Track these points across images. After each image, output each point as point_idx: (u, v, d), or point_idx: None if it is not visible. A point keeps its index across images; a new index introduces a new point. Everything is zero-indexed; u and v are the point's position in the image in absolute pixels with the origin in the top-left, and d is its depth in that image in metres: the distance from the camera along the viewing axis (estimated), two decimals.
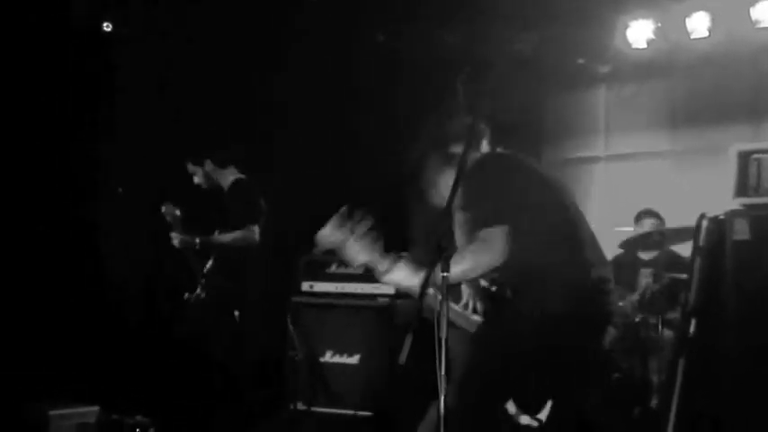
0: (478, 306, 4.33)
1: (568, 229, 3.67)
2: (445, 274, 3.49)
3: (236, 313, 5.61)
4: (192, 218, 5.71)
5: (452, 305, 3.89)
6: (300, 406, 6.11)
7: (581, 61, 7.17)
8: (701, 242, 3.97)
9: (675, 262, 5.67)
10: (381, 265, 3.72)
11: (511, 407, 3.87)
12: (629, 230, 6.27)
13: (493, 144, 5.03)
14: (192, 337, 5.54)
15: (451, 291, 4.01)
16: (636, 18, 6.50)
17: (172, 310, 5.84)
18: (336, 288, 6.28)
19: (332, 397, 6.02)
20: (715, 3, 6.19)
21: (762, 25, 6.01)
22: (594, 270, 3.60)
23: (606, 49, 6.85)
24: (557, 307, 3.50)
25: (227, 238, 5.61)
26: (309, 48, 6.71)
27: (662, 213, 6.26)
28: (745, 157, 4.77)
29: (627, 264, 5.93)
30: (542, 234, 3.58)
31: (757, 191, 4.58)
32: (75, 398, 5.58)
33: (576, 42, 6.89)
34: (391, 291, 6.08)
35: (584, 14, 6.44)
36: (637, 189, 7.14)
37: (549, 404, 5.45)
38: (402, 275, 3.74)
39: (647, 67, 6.95)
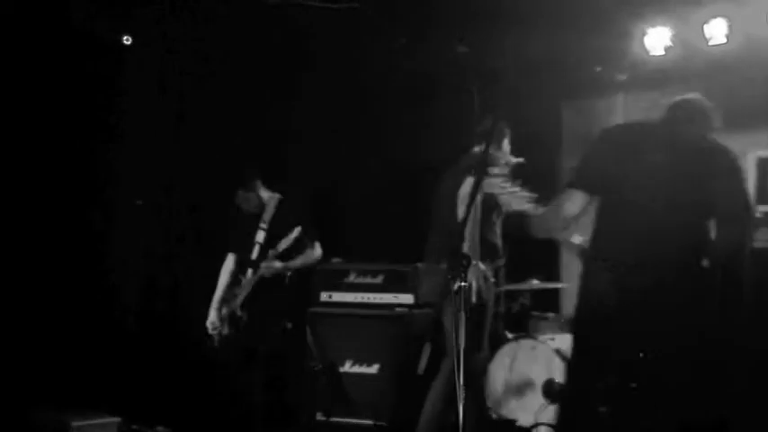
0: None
1: None
2: (463, 284, 3.49)
3: (289, 325, 5.54)
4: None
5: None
6: (319, 416, 6.12)
7: (598, 69, 7.14)
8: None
9: None
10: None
11: None
12: None
13: (513, 144, 5.05)
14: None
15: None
16: (653, 25, 6.47)
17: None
18: (355, 298, 6.29)
19: (351, 407, 6.03)
20: (733, 10, 6.15)
21: None
22: None
23: (624, 56, 6.82)
24: None
25: (299, 261, 5.44)
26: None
27: None
28: (764, 164, 4.76)
29: None
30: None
31: None
32: (97, 409, 5.61)
33: (594, 50, 6.86)
34: (410, 300, 6.09)
35: (601, 22, 6.42)
36: None
37: None
38: None
39: (665, 75, 6.91)
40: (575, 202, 3.74)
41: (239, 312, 5.32)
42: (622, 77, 7.24)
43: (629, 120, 6.39)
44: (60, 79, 6.18)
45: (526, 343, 5.84)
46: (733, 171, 3.64)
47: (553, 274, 7.23)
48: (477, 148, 4.96)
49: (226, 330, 5.34)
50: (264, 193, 5.53)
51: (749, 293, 3.71)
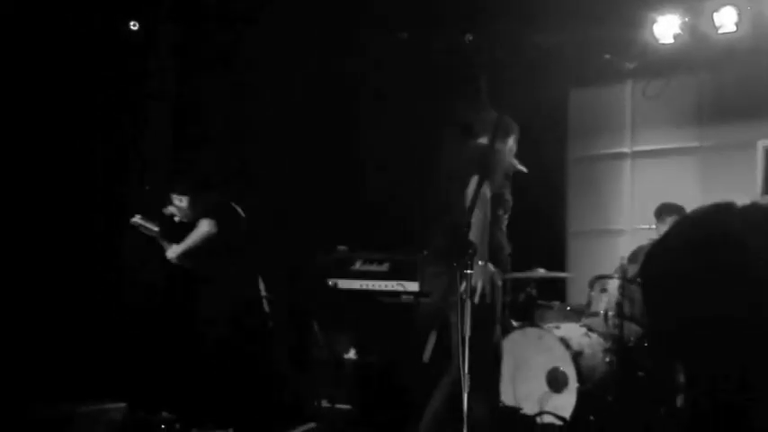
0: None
1: None
2: (469, 271, 3.48)
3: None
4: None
5: None
6: (324, 403, 6.12)
7: (607, 57, 7.11)
8: None
9: None
10: None
11: None
12: (649, 228, 6.26)
13: (520, 141, 5.01)
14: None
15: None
16: (663, 13, 6.43)
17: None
18: (360, 286, 6.28)
19: (355, 394, 6.03)
20: None
21: None
22: None
23: (633, 44, 6.78)
24: None
25: (188, 240, 5.71)
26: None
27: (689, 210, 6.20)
28: None
29: None
30: None
31: None
32: (102, 395, 5.62)
33: (603, 38, 6.83)
34: (415, 288, 6.08)
35: (610, 10, 6.38)
36: (663, 185, 7.08)
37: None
38: None
39: (674, 63, 6.87)
40: None
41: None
42: (631, 65, 7.20)
43: None
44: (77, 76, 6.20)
45: (532, 331, 5.83)
46: None
47: (559, 264, 7.23)
48: (480, 140, 4.89)
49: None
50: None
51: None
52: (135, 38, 6.57)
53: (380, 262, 6.28)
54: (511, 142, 4.86)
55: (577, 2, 6.21)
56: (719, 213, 2.81)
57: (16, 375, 5.55)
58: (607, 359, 5.74)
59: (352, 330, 6.18)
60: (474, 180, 4.43)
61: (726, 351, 3.04)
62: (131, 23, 6.47)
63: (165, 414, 5.57)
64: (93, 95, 6.34)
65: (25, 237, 5.97)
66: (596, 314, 5.93)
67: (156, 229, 5.78)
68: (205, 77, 6.81)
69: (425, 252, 5.18)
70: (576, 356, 5.60)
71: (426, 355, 3.48)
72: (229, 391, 5.56)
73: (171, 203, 5.84)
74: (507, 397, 5.71)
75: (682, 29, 6.41)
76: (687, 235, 3.02)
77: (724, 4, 6.16)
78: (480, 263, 4.08)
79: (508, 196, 4.71)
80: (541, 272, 6.10)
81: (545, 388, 5.63)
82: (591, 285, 6.10)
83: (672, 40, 6.45)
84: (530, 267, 6.07)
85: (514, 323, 6.01)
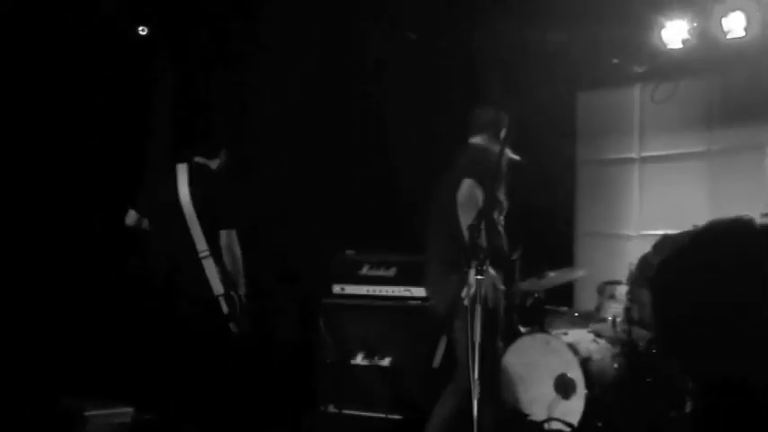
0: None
1: None
2: (480, 277, 3.46)
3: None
4: None
5: None
6: (331, 408, 6.11)
7: (615, 61, 7.09)
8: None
9: None
10: None
11: None
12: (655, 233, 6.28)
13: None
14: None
15: None
16: (671, 18, 6.42)
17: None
18: (368, 290, 6.27)
19: (362, 400, 6.02)
20: (751, 2, 6.09)
21: None
22: None
23: (641, 48, 6.77)
24: None
25: None
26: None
27: (697, 216, 6.17)
28: None
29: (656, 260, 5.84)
30: None
31: None
32: (111, 398, 5.62)
33: (611, 42, 6.82)
34: (422, 294, 6.06)
35: (619, 14, 6.37)
36: (672, 190, 7.06)
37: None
38: None
39: (683, 67, 6.86)
40: None
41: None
42: (639, 69, 7.19)
43: None
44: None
45: (540, 337, 5.81)
46: None
47: (568, 266, 7.20)
48: (474, 140, 4.86)
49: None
50: None
51: None
52: (136, 38, 6.57)
53: (387, 266, 6.27)
54: (503, 135, 4.79)
55: (585, 5, 6.20)
56: (739, 230, 2.81)
57: (24, 377, 5.55)
58: (615, 365, 5.73)
59: (359, 334, 6.17)
60: (466, 183, 4.41)
61: (735, 359, 3.03)
62: (140, 29, 6.46)
63: (173, 417, 5.56)
64: (93, 96, 6.35)
65: (26, 237, 5.97)
66: (605, 320, 5.92)
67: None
68: (206, 78, 6.80)
69: (425, 257, 5.16)
70: (585, 362, 5.59)
71: (436, 361, 3.47)
72: (235, 395, 5.55)
73: None
74: (515, 403, 5.70)
75: (690, 33, 6.39)
76: (705, 253, 3.02)
77: (733, 9, 6.14)
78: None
79: (502, 197, 4.68)
80: (552, 275, 6.08)
81: (553, 394, 5.62)
82: (599, 291, 6.09)
83: (680, 45, 6.44)
84: (538, 270, 6.06)
85: (522, 329, 6.00)
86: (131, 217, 5.12)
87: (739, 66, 6.73)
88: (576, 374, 5.55)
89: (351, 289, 6.34)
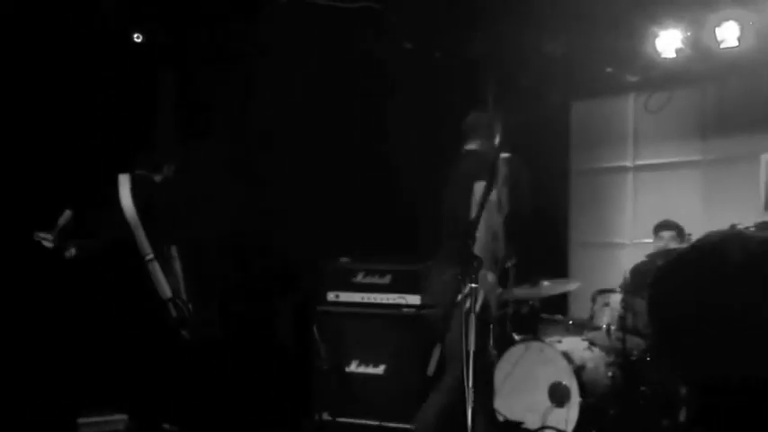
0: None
1: None
2: (475, 285, 3.47)
3: None
4: None
5: None
6: (326, 416, 6.10)
7: (610, 70, 7.12)
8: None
9: None
10: None
11: None
12: (648, 242, 6.36)
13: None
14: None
15: None
16: (665, 27, 6.45)
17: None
18: (362, 298, 6.28)
19: (357, 407, 6.02)
20: (744, 12, 6.13)
21: None
22: None
23: (635, 57, 6.80)
24: None
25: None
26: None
27: (691, 225, 6.21)
28: None
29: (647, 272, 5.85)
30: None
31: None
32: (104, 406, 5.60)
33: (605, 51, 6.85)
34: (416, 301, 6.07)
35: (613, 23, 6.40)
36: (666, 199, 7.08)
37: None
38: None
39: (677, 77, 6.90)
40: None
41: None
42: (633, 79, 7.23)
43: None
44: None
45: (534, 345, 5.82)
46: None
47: (561, 276, 7.22)
48: (470, 146, 4.89)
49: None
50: None
51: None
52: (136, 41, 6.57)
53: (382, 274, 6.28)
54: (496, 142, 4.84)
55: (580, 14, 6.23)
56: (731, 244, 2.86)
57: (19, 385, 5.53)
58: (609, 373, 5.73)
59: (354, 342, 6.17)
60: (480, 186, 4.43)
61: (735, 359, 3.05)
62: (135, 36, 6.46)
63: (167, 426, 5.55)
64: (93, 96, 6.34)
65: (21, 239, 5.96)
66: (599, 328, 5.92)
67: None
68: (208, 77, 6.81)
69: (430, 262, 5.18)
70: (579, 370, 5.59)
71: (431, 369, 3.48)
72: (229, 403, 5.55)
73: None
74: (509, 411, 5.70)
75: (684, 43, 6.42)
76: (698, 263, 3.07)
77: (726, 19, 6.18)
78: (482, 272, 4.08)
79: (504, 200, 4.71)
80: (546, 284, 6.09)
81: (547, 402, 5.62)
82: (593, 299, 6.09)
83: (674, 54, 6.47)
84: (532, 279, 6.07)
85: (517, 336, 6.00)
86: (65, 217, 5.15)
87: (733, 75, 6.76)
88: (571, 383, 5.55)
89: (345, 296, 6.34)
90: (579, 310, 6.82)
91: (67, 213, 5.12)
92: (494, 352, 5.07)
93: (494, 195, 4.30)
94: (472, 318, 3.55)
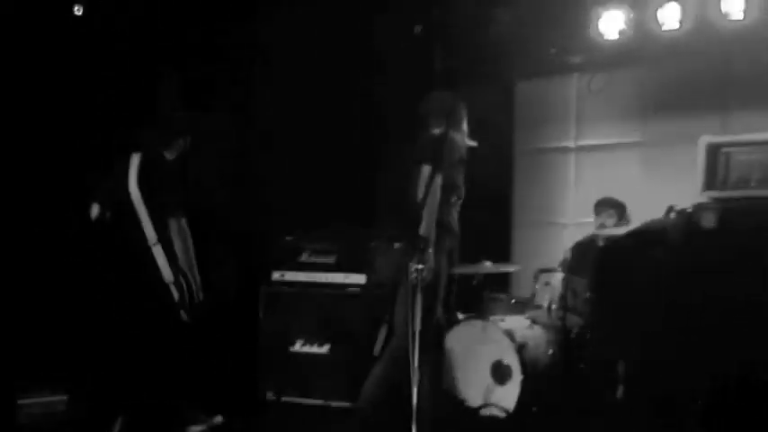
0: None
1: None
2: (420, 266, 3.50)
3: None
4: None
5: None
6: (270, 396, 6.10)
7: (553, 50, 7.17)
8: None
9: None
10: None
11: None
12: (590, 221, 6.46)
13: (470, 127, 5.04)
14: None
15: None
16: (608, 8, 6.52)
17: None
18: (307, 277, 6.26)
19: (302, 387, 6.02)
20: None
21: (732, 17, 6.05)
22: None
23: (578, 38, 6.85)
24: None
25: None
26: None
27: (631, 205, 6.32)
28: (713, 150, 4.83)
29: (588, 251, 5.93)
30: None
31: (726, 184, 4.64)
32: (44, 386, 5.53)
33: (548, 32, 6.89)
34: (362, 281, 6.08)
35: (556, 4, 6.44)
36: (607, 180, 7.18)
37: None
38: None
39: (619, 58, 6.97)
40: None
41: None
42: (576, 60, 7.29)
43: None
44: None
45: (477, 323, 5.88)
46: None
47: (504, 255, 7.30)
48: (436, 131, 4.91)
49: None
50: None
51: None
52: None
53: (327, 253, 6.27)
54: (464, 126, 4.92)
55: None
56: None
57: None
58: (550, 351, 5.82)
59: (299, 321, 6.16)
60: (426, 169, 4.47)
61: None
62: (75, 8, 6.32)
63: (107, 407, 5.49)
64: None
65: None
66: (540, 307, 6.00)
67: None
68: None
69: (375, 242, 5.21)
70: (521, 348, 5.67)
71: (377, 348, 3.50)
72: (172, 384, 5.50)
73: None
74: (452, 389, 5.76)
75: (626, 24, 6.49)
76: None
77: (668, 1, 6.26)
78: (429, 250, 4.12)
79: (460, 183, 4.77)
80: (488, 265, 6.15)
81: (489, 380, 5.69)
82: (535, 278, 6.17)
83: (617, 36, 6.54)
84: (476, 258, 6.12)
85: (460, 315, 6.06)
86: (95, 210, 5.18)
87: (674, 58, 6.86)
88: (513, 361, 5.62)
89: (290, 275, 6.32)
90: (522, 287, 6.91)
91: (95, 207, 5.18)
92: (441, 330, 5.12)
93: (440, 179, 4.34)
94: (418, 297, 3.58)
